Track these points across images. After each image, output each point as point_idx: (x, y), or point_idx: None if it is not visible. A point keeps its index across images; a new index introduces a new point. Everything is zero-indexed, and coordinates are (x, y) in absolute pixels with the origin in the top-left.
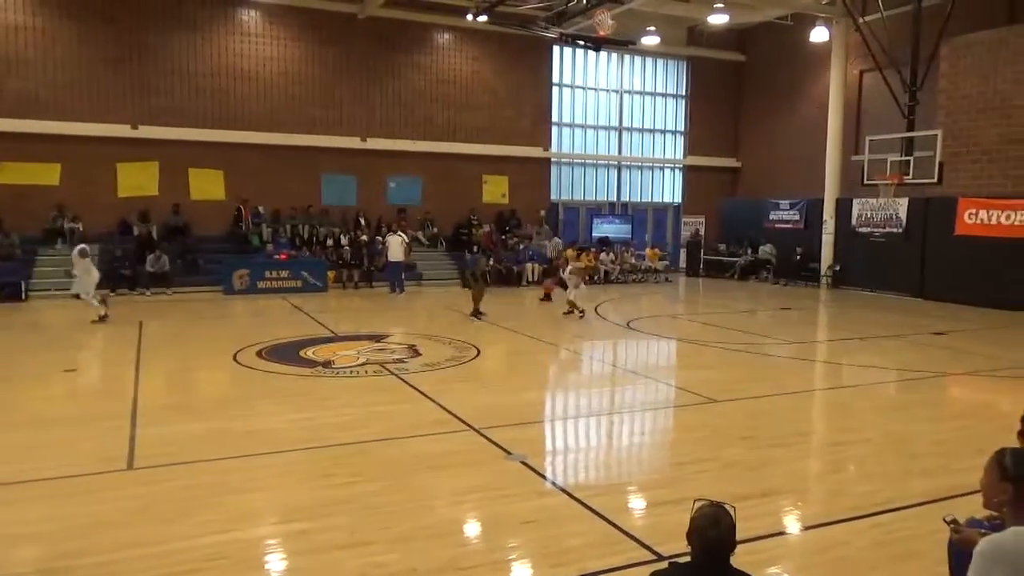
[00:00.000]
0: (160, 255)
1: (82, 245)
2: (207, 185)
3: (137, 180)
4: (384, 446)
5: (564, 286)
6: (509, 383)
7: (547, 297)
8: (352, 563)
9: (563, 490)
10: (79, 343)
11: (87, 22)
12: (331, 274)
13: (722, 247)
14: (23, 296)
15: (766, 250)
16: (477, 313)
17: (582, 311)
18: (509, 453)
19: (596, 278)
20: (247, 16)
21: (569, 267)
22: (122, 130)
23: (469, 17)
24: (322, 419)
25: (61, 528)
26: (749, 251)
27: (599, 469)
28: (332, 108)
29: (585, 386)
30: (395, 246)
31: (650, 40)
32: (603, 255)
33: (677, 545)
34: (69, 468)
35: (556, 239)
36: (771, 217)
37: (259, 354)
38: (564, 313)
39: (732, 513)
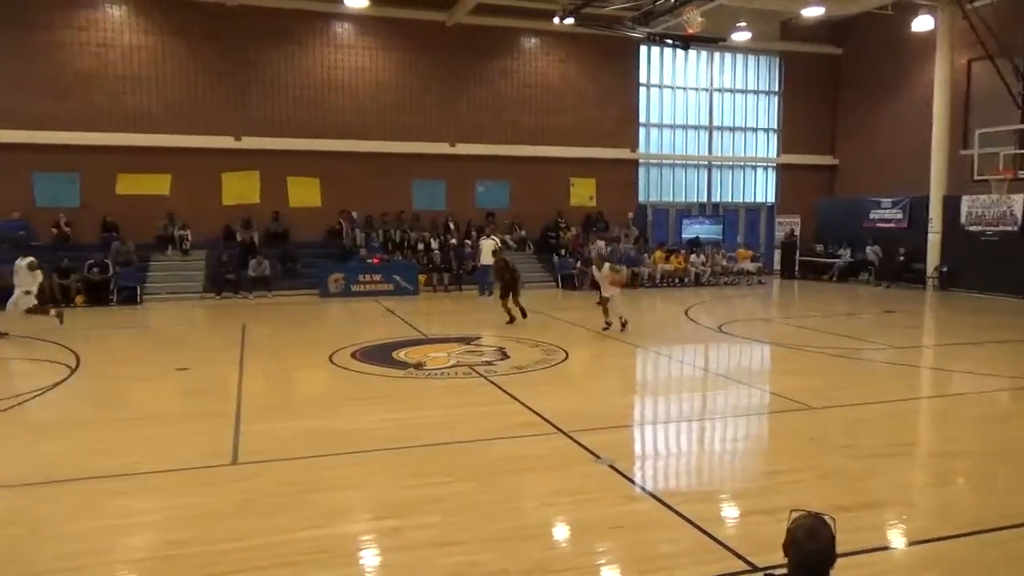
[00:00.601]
0: (261, 260)
1: (31, 258)
2: (304, 193)
3: (240, 189)
4: (473, 447)
5: (596, 286)
6: (597, 386)
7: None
8: (445, 561)
9: (653, 495)
10: (190, 343)
11: (194, 40)
12: (422, 277)
13: (819, 248)
14: (138, 299)
15: (873, 250)
16: (516, 313)
17: (607, 323)
18: (598, 457)
19: (687, 280)
20: (341, 28)
21: (601, 272)
22: (226, 141)
23: (555, 20)
24: (413, 420)
25: (171, 518)
26: (848, 252)
27: (690, 475)
28: (422, 115)
29: (675, 390)
30: (487, 250)
31: (741, 36)
32: (693, 257)
33: (773, 556)
34: (179, 461)
35: (600, 242)
36: (871, 216)
37: (353, 355)
38: (603, 328)
39: (832, 525)
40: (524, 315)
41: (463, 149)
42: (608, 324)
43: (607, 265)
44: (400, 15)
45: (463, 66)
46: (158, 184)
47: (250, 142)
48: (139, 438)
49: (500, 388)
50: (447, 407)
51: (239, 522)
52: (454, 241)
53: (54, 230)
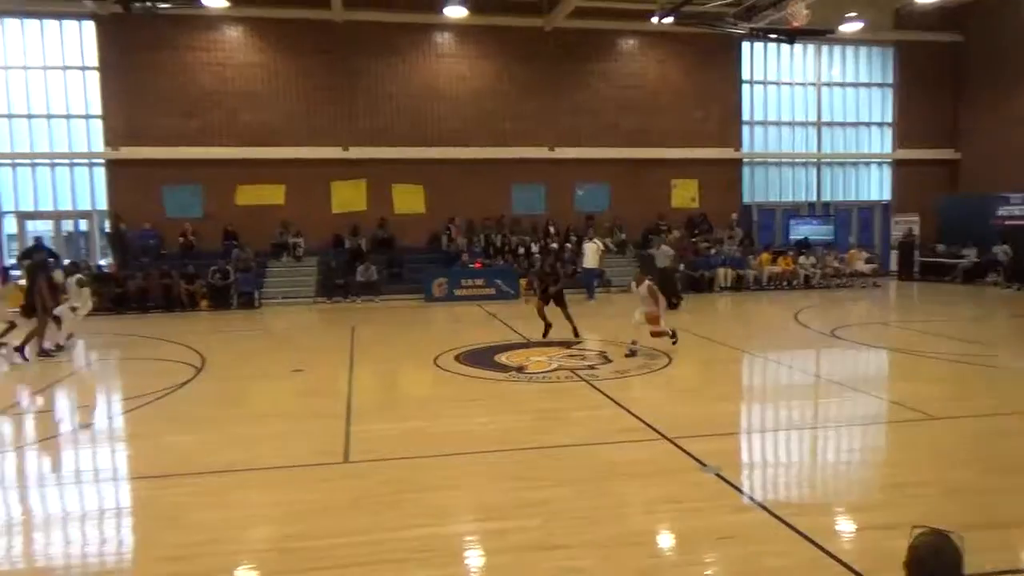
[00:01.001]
0: (369, 266)
1: (79, 275)
2: (409, 200)
3: (348, 197)
4: (575, 452)
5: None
6: (702, 392)
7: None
8: (547, 564)
9: (762, 506)
10: (303, 346)
11: (305, 55)
12: (523, 281)
13: (941, 248)
14: (256, 304)
15: (1002, 250)
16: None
17: (633, 348)
18: (703, 465)
19: (795, 283)
20: (441, 38)
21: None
22: (335, 152)
23: (654, 20)
24: (515, 423)
25: (287, 512)
26: (974, 252)
27: (802, 486)
28: (521, 120)
29: (784, 397)
30: (591, 253)
31: (851, 27)
32: (802, 258)
33: (892, 574)
34: (294, 458)
35: (665, 247)
36: (1000, 213)
37: (457, 358)
38: (626, 355)
39: (960, 543)
40: (576, 334)
41: (562, 153)
42: (633, 349)
43: (647, 283)
44: (498, 22)
45: (561, 70)
46: (273, 194)
47: (357, 152)
48: (258, 435)
49: (602, 392)
50: (548, 411)
51: (349, 518)
52: (554, 245)
53: (181, 239)
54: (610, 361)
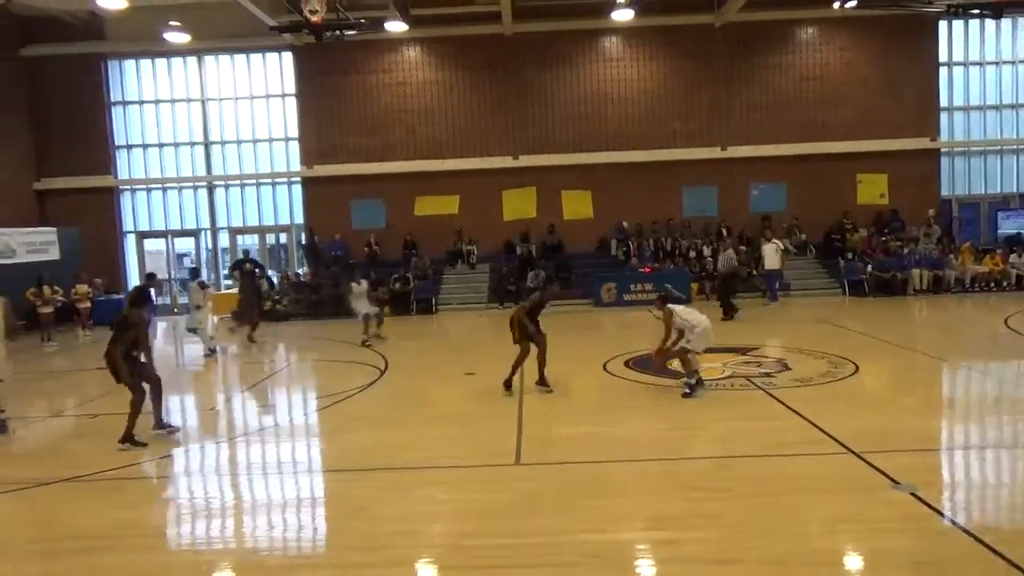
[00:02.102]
0: (538, 272)
1: (201, 278)
2: (577, 205)
3: (518, 205)
4: (751, 463)
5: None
6: (894, 403)
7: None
8: None
9: (965, 531)
10: (477, 350)
11: (476, 70)
12: (694, 286)
13: None
14: (433, 309)
15: None
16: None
17: (691, 382)
18: (896, 482)
19: (1006, 284)
20: (609, 42)
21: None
22: (505, 161)
23: (835, 5)
24: (687, 431)
25: (462, 510)
26: None
27: (1013, 510)
28: (691, 120)
29: (992, 412)
30: (771, 254)
31: None
32: (1013, 256)
33: None
34: (470, 459)
35: (729, 252)
36: None
37: (627, 364)
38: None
39: None
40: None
41: (735, 152)
42: (691, 383)
43: (665, 309)
44: (666, 22)
45: (733, 66)
46: (448, 205)
47: (527, 160)
48: (436, 435)
49: (780, 401)
50: (721, 419)
51: (522, 520)
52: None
53: (366, 249)
54: (789, 368)
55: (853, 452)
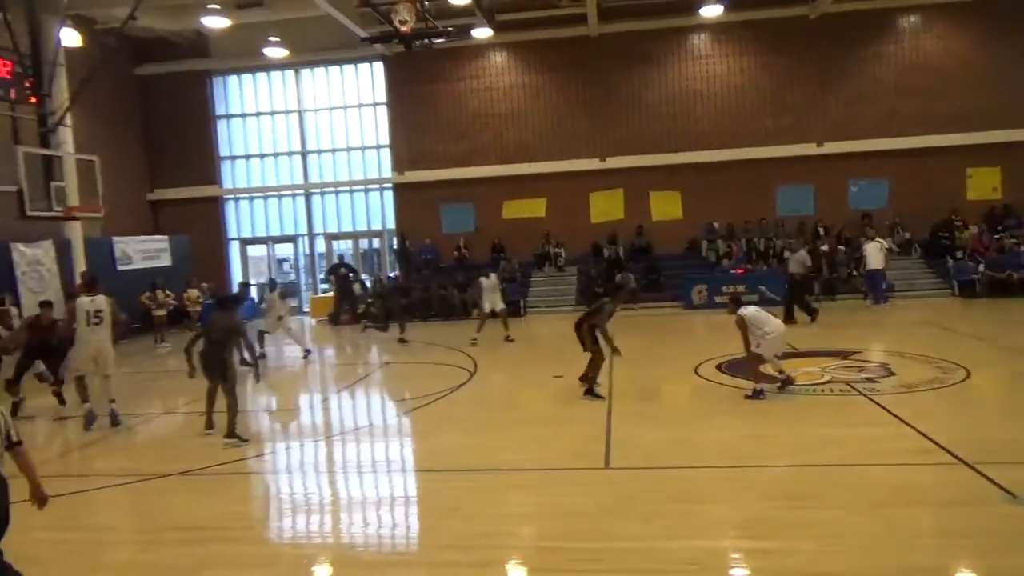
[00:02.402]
0: (627, 274)
1: (280, 288)
2: (666, 206)
3: (606, 207)
4: (851, 472)
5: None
6: (1010, 412)
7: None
8: None
9: None
10: (565, 353)
11: (562, 73)
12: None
13: None
14: (521, 312)
15: None
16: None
17: (757, 387)
18: (1013, 496)
19: None
20: (697, 39)
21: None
22: (592, 163)
23: None
24: (782, 437)
25: (551, 512)
26: None
27: None
28: (783, 116)
29: None
30: (874, 253)
31: None
32: None
33: None
34: (558, 462)
35: (801, 252)
36: None
37: (719, 368)
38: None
39: None
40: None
41: (832, 148)
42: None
43: (737, 315)
44: (757, 16)
45: (829, 58)
46: (535, 208)
47: (614, 162)
48: (524, 437)
49: (883, 408)
50: (820, 426)
51: (612, 524)
52: (825, 248)
53: (455, 252)
54: (893, 374)
55: (965, 463)
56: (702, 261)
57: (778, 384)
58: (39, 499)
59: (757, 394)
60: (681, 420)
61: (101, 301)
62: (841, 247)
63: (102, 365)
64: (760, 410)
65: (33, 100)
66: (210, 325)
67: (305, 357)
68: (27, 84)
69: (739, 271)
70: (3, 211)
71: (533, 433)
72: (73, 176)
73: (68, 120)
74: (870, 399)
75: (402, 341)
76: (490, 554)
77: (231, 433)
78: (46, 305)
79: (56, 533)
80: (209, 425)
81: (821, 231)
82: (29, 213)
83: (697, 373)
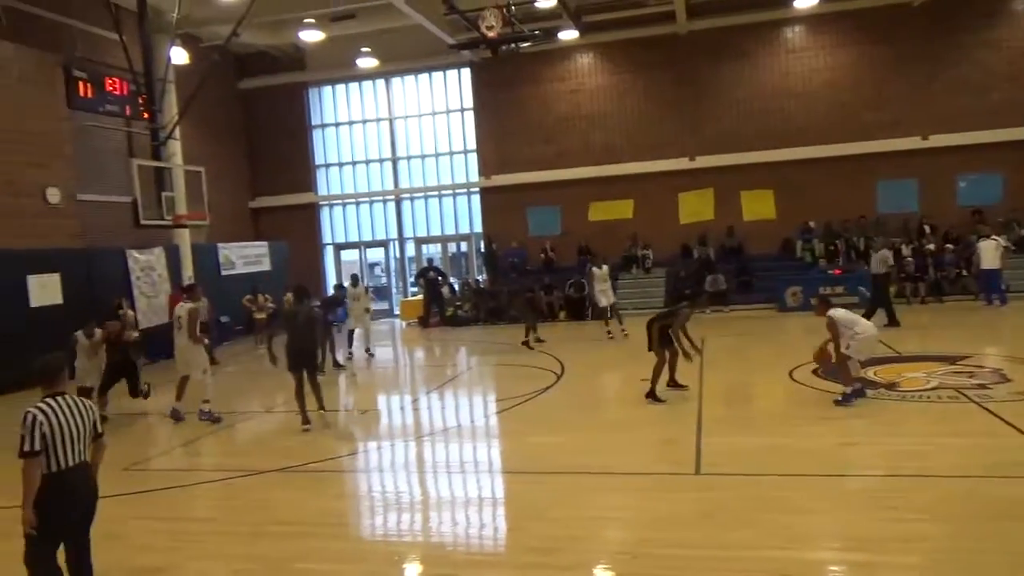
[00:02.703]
0: (717, 275)
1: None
2: (758, 205)
3: (695, 207)
4: (961, 483)
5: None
6: None
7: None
8: None
9: None
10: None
11: (650, 72)
12: (892, 288)
13: None
14: (609, 314)
15: None
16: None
17: (847, 391)
18: None
19: None
20: (792, 33)
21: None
22: (681, 163)
23: None
24: (885, 445)
25: (639, 517)
26: None
27: None
28: (884, 109)
29: None
30: (990, 251)
31: None
32: None
33: None
34: (646, 466)
35: (883, 251)
36: None
37: (815, 372)
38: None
39: None
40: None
41: (938, 140)
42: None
43: (843, 314)
44: (855, 6)
45: (933, 47)
46: (623, 209)
47: (703, 161)
48: (611, 441)
49: (997, 416)
50: (926, 434)
51: (702, 531)
52: (931, 246)
53: (542, 255)
54: (1008, 380)
55: None
56: (797, 262)
57: (849, 392)
58: None
59: (847, 399)
60: (775, 426)
61: (180, 309)
62: (949, 245)
63: (180, 367)
64: (859, 416)
65: (146, 116)
66: (292, 319)
67: (370, 356)
68: (140, 101)
69: (836, 272)
70: (120, 220)
71: (621, 436)
72: (181, 186)
73: (177, 133)
74: (982, 407)
75: (527, 344)
76: (576, 558)
77: (321, 406)
78: (111, 318)
79: (164, 524)
80: (306, 421)
81: (927, 229)
82: (143, 222)
83: (792, 377)
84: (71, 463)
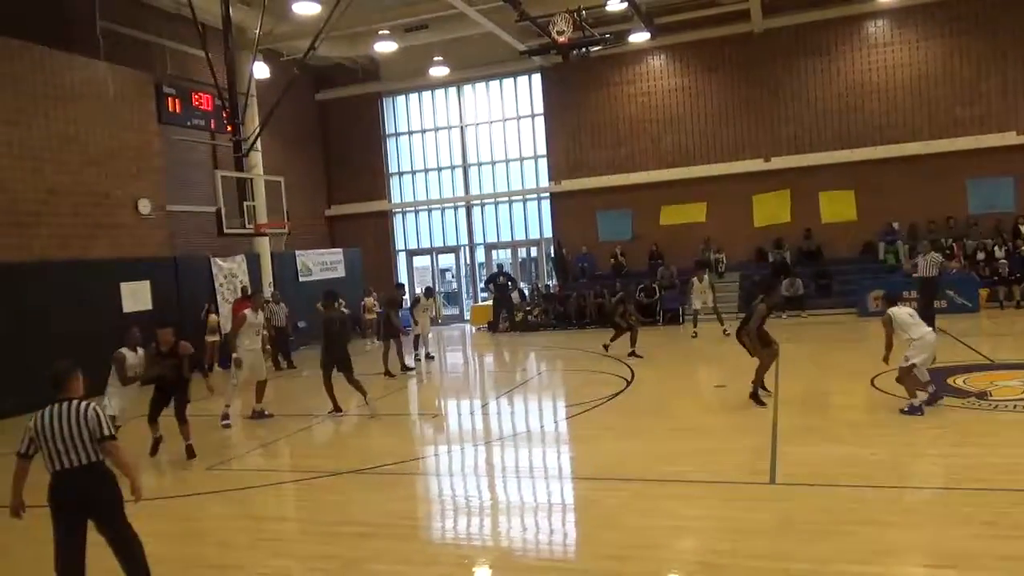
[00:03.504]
0: (794, 279)
1: (427, 285)
2: (838, 207)
3: (770, 209)
4: None
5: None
6: None
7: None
8: None
9: None
10: (727, 361)
11: (723, 72)
12: (983, 292)
13: None
14: (680, 320)
15: None
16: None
17: (913, 402)
18: None
19: None
20: (874, 27)
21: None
22: (756, 164)
23: None
24: (976, 457)
25: (713, 527)
26: None
27: None
28: (977, 104)
29: None
30: None
31: None
32: None
33: None
34: (720, 474)
35: (934, 253)
36: None
37: (899, 380)
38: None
39: None
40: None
41: None
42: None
43: (902, 315)
44: None
45: None
46: (695, 213)
47: (779, 162)
48: (684, 448)
49: None
50: (1019, 446)
51: (779, 542)
52: None
53: (612, 260)
54: None
55: None
56: (879, 265)
57: (916, 403)
58: (134, 492)
59: (914, 409)
60: (854, 435)
61: (252, 315)
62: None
63: (256, 372)
64: (945, 426)
65: (229, 129)
66: (331, 325)
67: (429, 359)
68: (224, 115)
69: (953, 270)
70: (205, 229)
71: (694, 444)
72: (262, 196)
73: (258, 145)
74: None
75: (634, 354)
76: (648, 567)
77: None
78: (161, 326)
79: (243, 522)
80: (337, 408)
81: (1023, 229)
82: (226, 230)
83: (874, 385)
84: (66, 465)
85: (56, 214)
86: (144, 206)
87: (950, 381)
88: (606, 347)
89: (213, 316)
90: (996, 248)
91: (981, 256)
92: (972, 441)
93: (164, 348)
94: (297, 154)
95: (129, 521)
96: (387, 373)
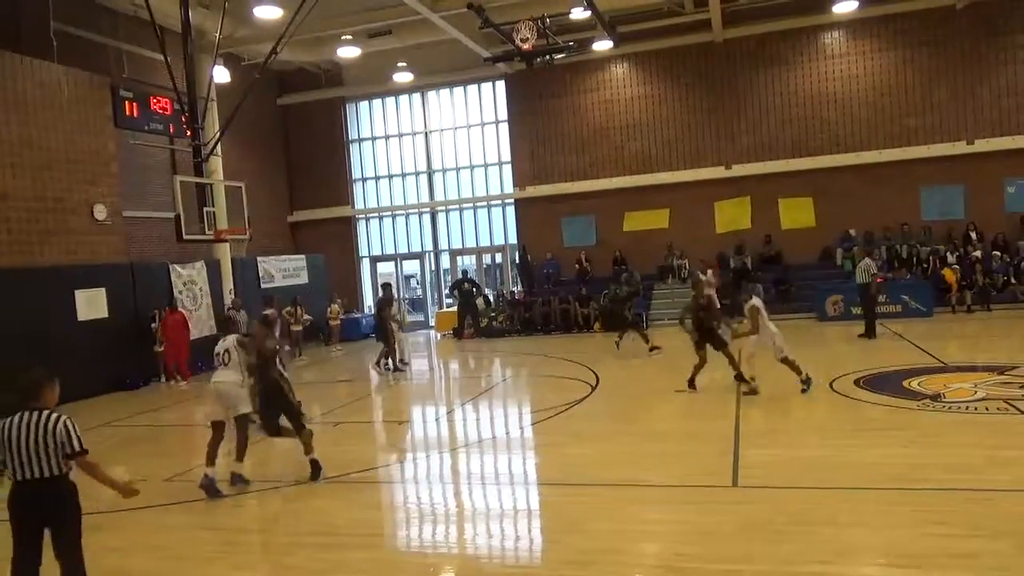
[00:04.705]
0: (755, 284)
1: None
2: (797, 213)
3: (732, 216)
4: (1013, 498)
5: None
6: None
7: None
8: None
9: None
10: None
11: (686, 81)
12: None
13: None
14: (644, 325)
15: None
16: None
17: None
18: None
19: None
20: (830, 38)
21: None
22: (717, 171)
23: None
24: (930, 458)
25: (677, 531)
26: None
27: None
28: (928, 114)
29: None
30: None
31: None
32: None
33: None
34: (682, 478)
35: (866, 260)
36: None
37: (857, 383)
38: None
39: None
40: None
41: (984, 145)
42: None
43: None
44: (896, 10)
45: (978, 50)
46: (658, 219)
47: (740, 169)
48: (647, 453)
49: None
50: (972, 447)
51: (742, 545)
52: (978, 254)
53: (576, 266)
54: None
55: None
56: (837, 270)
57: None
58: (124, 493)
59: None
60: (815, 437)
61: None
62: (996, 252)
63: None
64: (901, 428)
65: (188, 134)
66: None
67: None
68: (184, 119)
69: (879, 279)
70: (163, 235)
71: (657, 448)
72: (222, 201)
73: (218, 150)
74: None
75: (656, 348)
76: (612, 571)
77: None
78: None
79: (204, 534)
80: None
81: (973, 235)
82: (185, 237)
83: (832, 388)
84: (28, 476)
85: (7, 219)
86: (100, 211)
87: (905, 384)
88: (655, 348)
89: (243, 313)
90: (948, 254)
91: (930, 262)
92: (926, 442)
93: (264, 351)
94: (259, 159)
95: (83, 542)
96: (402, 362)
